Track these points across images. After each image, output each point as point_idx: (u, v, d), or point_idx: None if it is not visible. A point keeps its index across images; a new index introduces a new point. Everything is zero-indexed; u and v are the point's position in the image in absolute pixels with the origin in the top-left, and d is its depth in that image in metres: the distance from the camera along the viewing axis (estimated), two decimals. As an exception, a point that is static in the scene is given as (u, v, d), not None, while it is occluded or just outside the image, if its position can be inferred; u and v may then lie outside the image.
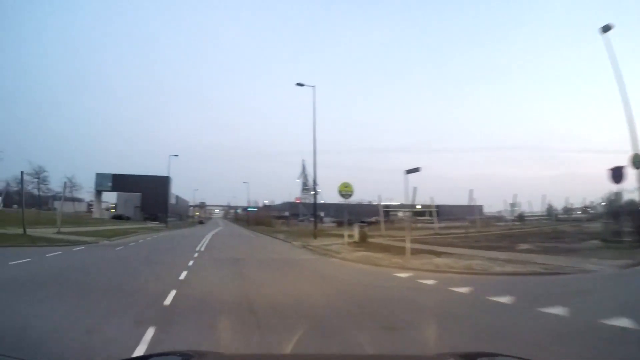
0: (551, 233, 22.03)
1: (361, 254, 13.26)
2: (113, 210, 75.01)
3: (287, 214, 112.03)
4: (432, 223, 38.43)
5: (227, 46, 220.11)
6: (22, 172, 30.06)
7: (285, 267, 10.50)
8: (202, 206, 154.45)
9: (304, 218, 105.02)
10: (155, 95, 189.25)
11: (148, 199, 70.71)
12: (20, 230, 18.30)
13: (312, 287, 7.32)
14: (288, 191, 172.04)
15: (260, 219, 79.59)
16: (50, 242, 15.97)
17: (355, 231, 19.55)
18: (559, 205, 49.41)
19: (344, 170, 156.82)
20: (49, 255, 11.77)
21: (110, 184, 69.75)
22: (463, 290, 6.48)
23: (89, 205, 79.05)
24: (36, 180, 50.74)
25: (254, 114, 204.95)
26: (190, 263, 10.55)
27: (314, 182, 23.08)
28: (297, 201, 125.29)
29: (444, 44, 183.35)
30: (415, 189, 21.35)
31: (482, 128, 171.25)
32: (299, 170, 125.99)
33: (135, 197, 72.22)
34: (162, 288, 6.30)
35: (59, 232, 19.91)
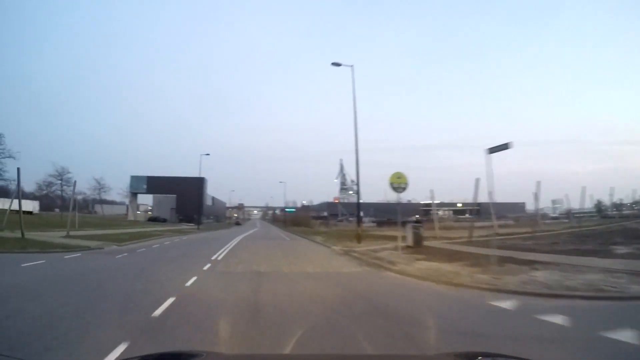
0: (629, 232, 18.80)
1: (424, 264, 10.15)
2: (150, 213, 75.38)
3: (325, 214, 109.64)
4: (479, 221, 33.46)
5: (264, 49, 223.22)
6: (18, 169, 28.61)
7: (325, 290, 6.75)
8: (240, 207, 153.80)
9: (342, 218, 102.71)
10: (193, 99, 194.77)
11: (183, 200, 70.15)
12: (31, 234, 16.27)
13: (371, 338, 3.75)
14: (326, 191, 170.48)
15: (297, 220, 77.04)
16: (44, 247, 13.36)
17: (409, 233, 15.49)
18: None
19: (381, 169, 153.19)
20: (25, 265, 9.26)
21: (145, 186, 69.96)
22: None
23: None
24: (59, 182, 50.03)
25: (291, 115, 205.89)
26: (191, 281, 7.16)
27: (357, 177, 18.92)
28: (336, 201, 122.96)
29: (481, 38, 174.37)
30: (477, 180, 16.90)
31: (520, 123, 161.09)
32: (336, 169, 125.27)
33: (170, 199, 72.04)
34: (111, 336, 3.53)
35: (67, 236, 17.53)
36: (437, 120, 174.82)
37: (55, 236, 17.40)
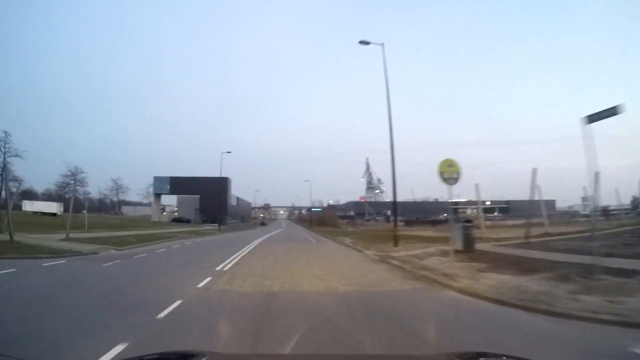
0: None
1: (494, 278, 7.53)
2: (176, 214, 75.17)
3: (352, 213, 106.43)
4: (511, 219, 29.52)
5: (288, 47, 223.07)
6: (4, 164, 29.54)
7: (366, 329, 4.01)
8: (266, 208, 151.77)
9: (369, 217, 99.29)
10: (218, 102, 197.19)
11: (206, 200, 69.21)
12: (31, 236, 14.64)
13: None
14: (352, 190, 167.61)
15: (324, 220, 74.44)
16: (28, 252, 11.43)
17: (458, 234, 12.49)
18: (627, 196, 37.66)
19: (408, 167, 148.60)
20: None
21: (168, 187, 69.58)
22: None
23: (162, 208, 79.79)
24: (73, 182, 49.24)
25: (317, 115, 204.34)
26: (165, 313, 4.64)
27: (393, 172, 15.72)
28: (362, 200, 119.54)
29: (504, 33, 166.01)
30: (534, 171, 13.67)
31: (543, 118, 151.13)
32: (362, 169, 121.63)
33: (194, 199, 71.35)
34: None
35: (65, 239, 15.71)
36: (462, 117, 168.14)
37: (53, 239, 15.62)
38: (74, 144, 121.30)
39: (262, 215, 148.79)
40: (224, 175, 68.46)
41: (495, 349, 3.32)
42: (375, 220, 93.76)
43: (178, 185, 69.86)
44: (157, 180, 69.62)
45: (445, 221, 74.97)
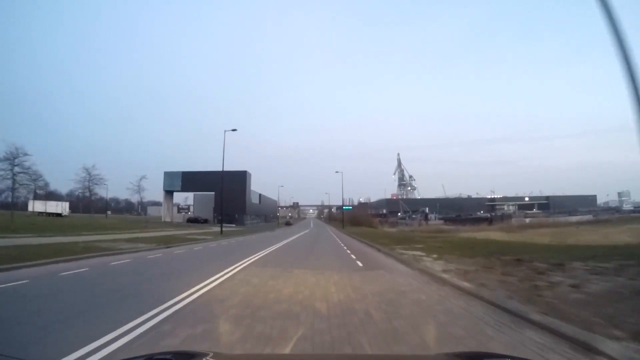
0: None
1: None
2: (190, 213, 67.91)
3: (384, 211, 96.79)
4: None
5: (319, 49, 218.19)
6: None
7: None
8: (295, 207, 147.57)
9: (405, 216, 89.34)
10: (246, 105, 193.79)
11: (224, 198, 61.70)
12: None
13: None
14: (381, 188, 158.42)
15: (357, 219, 65.24)
16: None
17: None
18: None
19: (437, 165, 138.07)
20: None
21: (180, 183, 62.25)
22: None
23: (180, 209, 72.22)
24: (88, 182, 43.95)
25: (348, 114, 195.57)
26: None
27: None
28: (394, 197, 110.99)
29: (533, 23, 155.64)
30: None
31: (575, 112, 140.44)
32: (393, 165, 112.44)
33: (210, 197, 63.77)
34: None
35: None
36: (492, 114, 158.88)
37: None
38: (105, 148, 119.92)
39: (290, 214, 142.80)
40: (243, 169, 60.50)
41: None
42: (411, 219, 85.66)
43: (191, 181, 62.37)
44: (168, 176, 62.65)
45: (488, 219, 64.57)
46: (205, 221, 59.46)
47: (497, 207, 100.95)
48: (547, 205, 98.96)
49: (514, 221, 51.45)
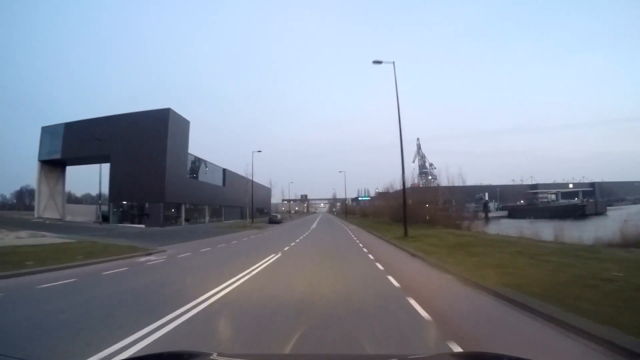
0: None
1: None
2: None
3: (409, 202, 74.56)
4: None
5: (327, 47, 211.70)
6: None
7: None
8: (303, 200, 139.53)
9: (477, 207, 69.61)
10: (258, 102, 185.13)
11: (129, 173, 32.49)
12: None
13: None
14: (397, 179, 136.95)
15: (380, 210, 45.37)
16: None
17: None
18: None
19: (454, 156, 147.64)
20: None
21: (60, 144, 33.15)
22: None
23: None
24: None
25: (355, 108, 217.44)
26: None
27: None
28: (416, 186, 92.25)
29: (544, 9, 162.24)
30: None
31: (592, 100, 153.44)
32: (413, 151, 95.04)
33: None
34: None
35: None
36: (505, 104, 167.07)
37: None
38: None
39: (297, 208, 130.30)
40: (249, 171, 34.70)
41: None
42: (441, 211, 63.87)
43: (79, 140, 32.97)
44: (46, 133, 33.92)
45: (579, 208, 34.90)
46: (105, 219, 31.09)
47: (541, 195, 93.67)
48: (592, 192, 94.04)
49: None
